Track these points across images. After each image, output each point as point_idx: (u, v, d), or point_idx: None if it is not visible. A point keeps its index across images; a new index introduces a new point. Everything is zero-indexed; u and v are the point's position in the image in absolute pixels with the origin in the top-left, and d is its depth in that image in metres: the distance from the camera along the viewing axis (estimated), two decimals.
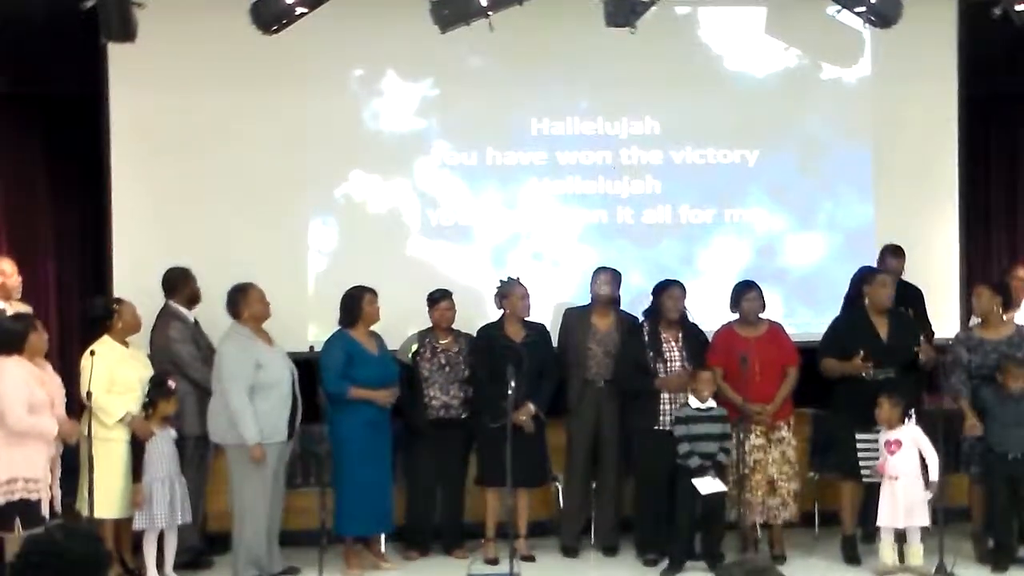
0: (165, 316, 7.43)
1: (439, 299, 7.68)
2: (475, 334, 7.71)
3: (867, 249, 8.33)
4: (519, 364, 7.08)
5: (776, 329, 7.70)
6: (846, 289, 8.00)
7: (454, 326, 7.73)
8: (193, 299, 7.49)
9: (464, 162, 8.52)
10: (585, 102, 8.59)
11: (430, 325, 7.70)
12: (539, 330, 7.74)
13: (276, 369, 7.06)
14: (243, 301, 7.13)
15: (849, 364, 7.30)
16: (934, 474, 7.04)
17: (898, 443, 7.10)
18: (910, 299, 7.99)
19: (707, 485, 7.14)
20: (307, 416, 7.25)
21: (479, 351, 7.63)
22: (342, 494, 7.21)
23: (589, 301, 7.84)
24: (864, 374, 7.26)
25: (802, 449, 7.68)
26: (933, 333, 7.99)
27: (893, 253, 8.12)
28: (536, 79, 8.48)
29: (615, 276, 7.82)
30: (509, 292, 7.66)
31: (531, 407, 7.37)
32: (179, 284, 7.46)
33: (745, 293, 7.57)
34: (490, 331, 7.67)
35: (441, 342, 7.65)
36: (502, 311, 7.69)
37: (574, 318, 7.83)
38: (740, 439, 7.22)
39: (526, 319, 7.69)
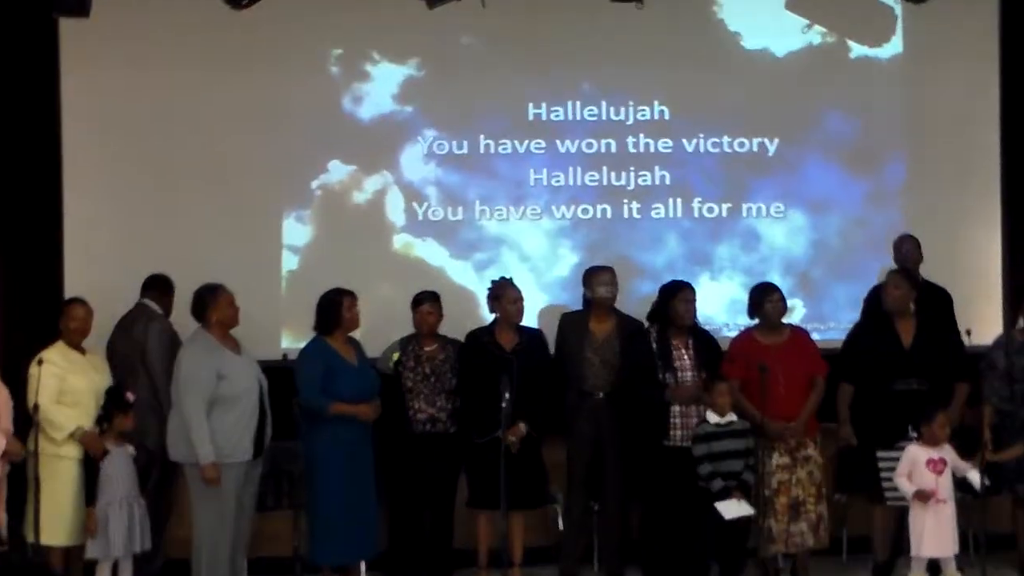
0: (144, 317, 7.35)
1: (422, 301, 7.46)
2: (463, 340, 7.50)
3: None
4: (509, 374, 6.78)
5: (800, 335, 7.42)
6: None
7: (441, 332, 7.50)
8: (167, 312, 7.44)
9: (454, 151, 8.45)
10: (587, 84, 8.52)
11: (413, 331, 7.50)
12: (534, 336, 7.50)
13: (241, 380, 6.74)
14: (212, 304, 6.83)
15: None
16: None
17: (943, 461, 6.78)
18: (935, 302, 7.76)
19: (732, 509, 6.84)
20: (280, 432, 6.95)
21: (467, 359, 7.36)
22: (317, 518, 6.95)
23: (583, 305, 7.63)
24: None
25: (828, 468, 7.37)
26: (961, 342, 7.58)
27: (909, 240, 7.98)
28: (533, 59, 8.43)
29: (614, 276, 7.56)
30: (501, 294, 7.41)
31: (522, 427, 7.07)
32: (162, 291, 7.45)
33: (767, 295, 7.27)
34: (480, 337, 7.40)
35: (425, 349, 7.41)
36: (494, 315, 7.44)
37: (570, 324, 7.59)
38: (761, 458, 6.99)
39: (520, 324, 7.47)
